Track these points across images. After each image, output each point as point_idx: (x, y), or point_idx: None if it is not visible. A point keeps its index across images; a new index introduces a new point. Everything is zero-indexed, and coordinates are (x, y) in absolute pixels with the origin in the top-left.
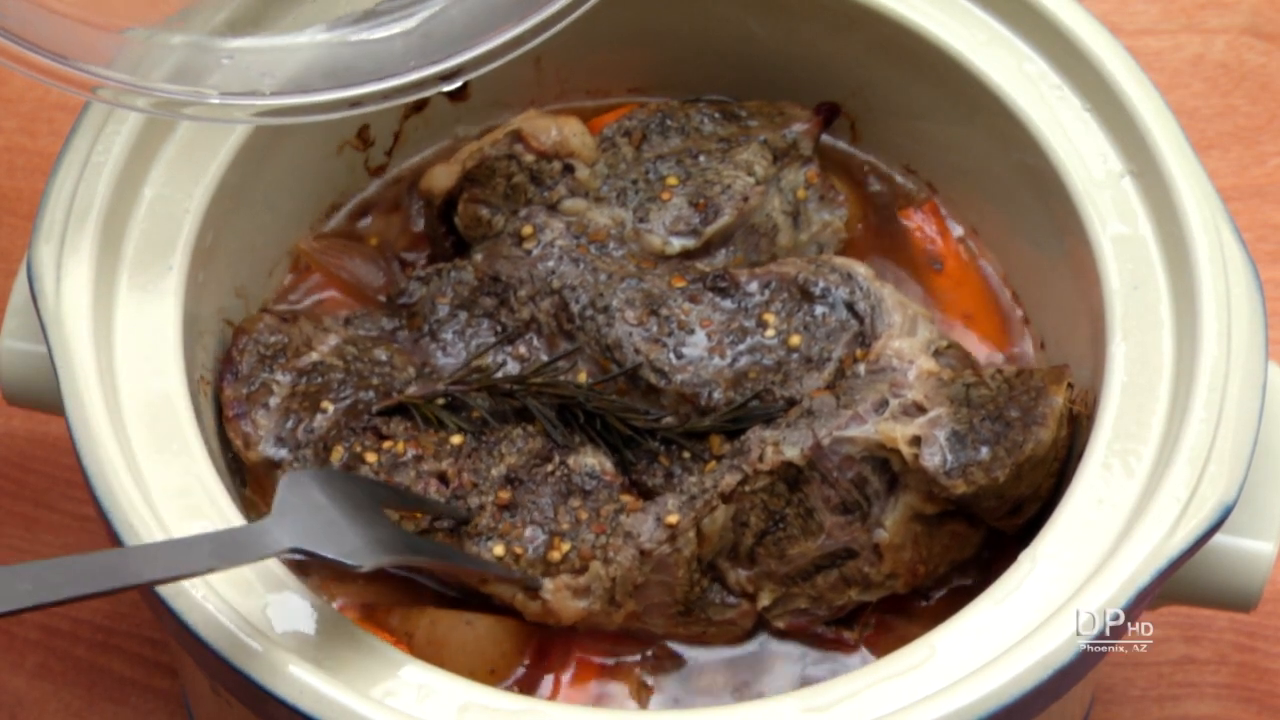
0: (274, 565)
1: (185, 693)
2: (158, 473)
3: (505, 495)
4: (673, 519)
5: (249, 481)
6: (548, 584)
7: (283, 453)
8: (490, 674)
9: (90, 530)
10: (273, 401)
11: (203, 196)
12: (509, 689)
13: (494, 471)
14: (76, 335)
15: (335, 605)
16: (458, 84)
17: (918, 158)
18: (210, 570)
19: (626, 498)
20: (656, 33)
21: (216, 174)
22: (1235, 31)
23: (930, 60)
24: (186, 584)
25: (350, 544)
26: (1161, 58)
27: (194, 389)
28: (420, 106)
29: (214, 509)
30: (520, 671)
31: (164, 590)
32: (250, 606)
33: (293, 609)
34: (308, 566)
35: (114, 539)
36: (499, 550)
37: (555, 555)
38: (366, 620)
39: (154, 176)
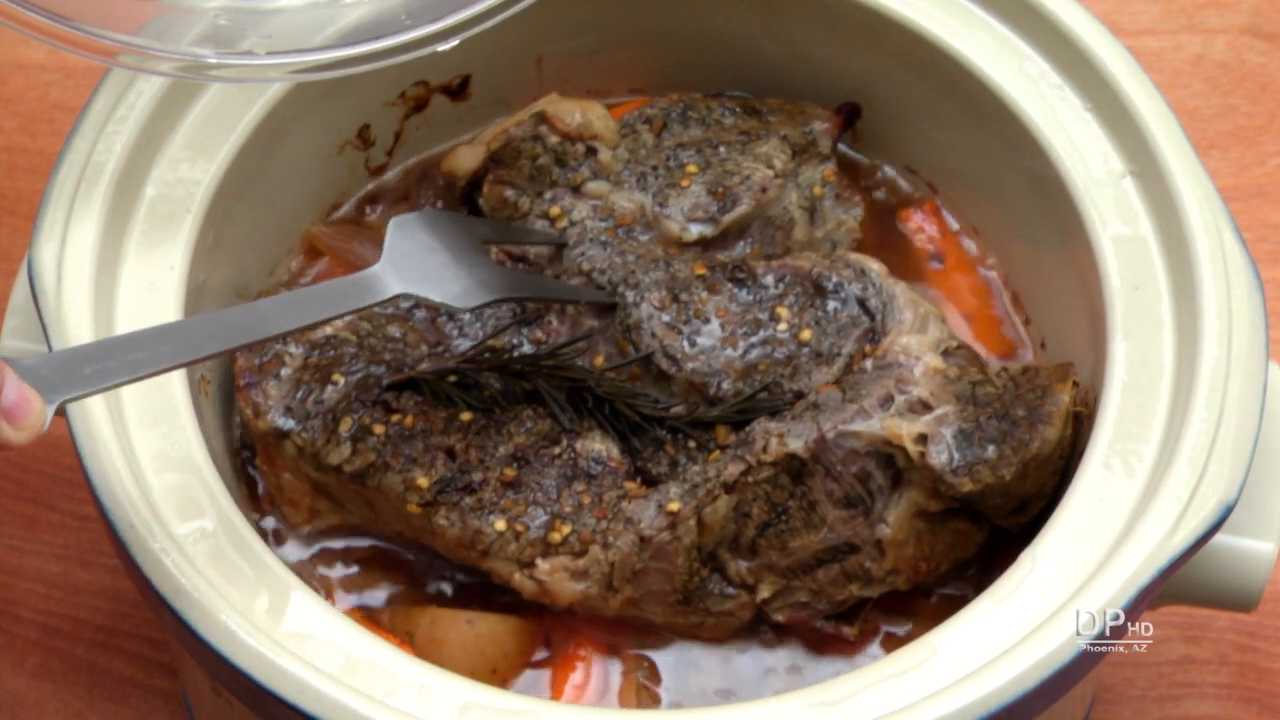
0: (274, 566)
1: (185, 693)
2: (158, 472)
3: (510, 473)
4: (674, 506)
5: (258, 452)
6: (544, 564)
7: (291, 423)
8: (491, 673)
9: (91, 530)
10: (284, 372)
11: (204, 196)
12: (510, 689)
13: (501, 449)
14: (77, 335)
15: (336, 604)
16: (454, 42)
17: (918, 158)
18: (334, 317)
19: (630, 485)
20: (657, 34)
21: (218, 173)
22: (1235, 31)
23: (930, 60)
24: (186, 584)
25: (457, 287)
26: (1161, 58)
27: (195, 389)
28: (421, 106)
29: (214, 508)
30: (521, 671)
31: (164, 590)
32: (250, 606)
33: (293, 608)
34: (305, 566)
35: (114, 538)
36: (500, 525)
37: (556, 537)
38: (367, 619)
39: (155, 176)
